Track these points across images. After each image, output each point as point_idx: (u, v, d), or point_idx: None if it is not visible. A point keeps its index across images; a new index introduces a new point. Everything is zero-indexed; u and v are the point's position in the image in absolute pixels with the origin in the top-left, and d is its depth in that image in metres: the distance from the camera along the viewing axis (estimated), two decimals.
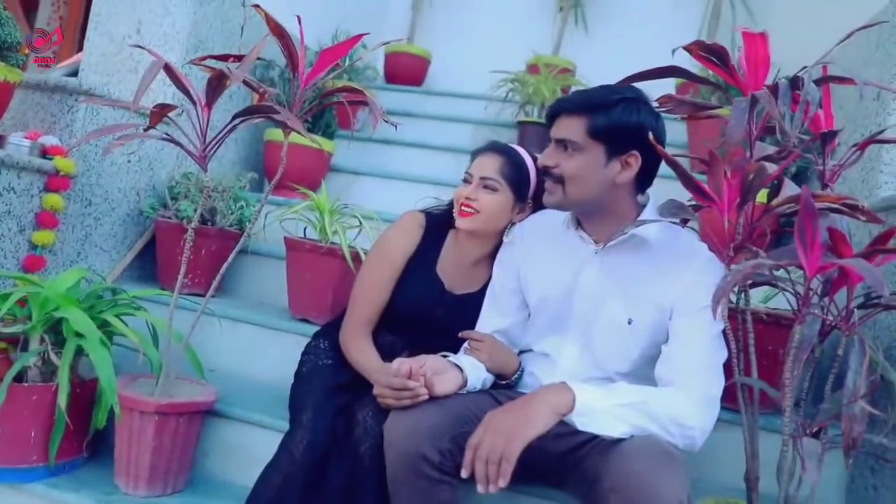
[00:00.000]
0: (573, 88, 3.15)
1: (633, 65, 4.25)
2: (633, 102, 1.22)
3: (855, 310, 1.16)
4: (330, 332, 1.58)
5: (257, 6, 1.41)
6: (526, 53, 3.73)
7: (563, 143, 1.24)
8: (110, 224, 2.04)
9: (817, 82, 1.25)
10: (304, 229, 2.06)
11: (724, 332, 1.21)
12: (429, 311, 1.49)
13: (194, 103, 1.47)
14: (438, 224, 1.54)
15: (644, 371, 1.32)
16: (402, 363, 1.18)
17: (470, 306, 1.48)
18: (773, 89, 1.19)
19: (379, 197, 2.60)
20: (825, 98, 1.36)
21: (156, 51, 2.19)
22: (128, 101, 1.51)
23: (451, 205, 1.53)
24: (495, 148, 1.49)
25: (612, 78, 3.62)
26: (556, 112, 1.26)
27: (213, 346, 1.90)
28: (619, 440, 1.09)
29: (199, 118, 1.48)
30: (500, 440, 1.02)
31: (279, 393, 1.81)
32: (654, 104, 1.31)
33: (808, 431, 1.19)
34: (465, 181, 1.47)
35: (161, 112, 1.46)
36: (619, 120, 1.20)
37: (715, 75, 1.29)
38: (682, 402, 1.13)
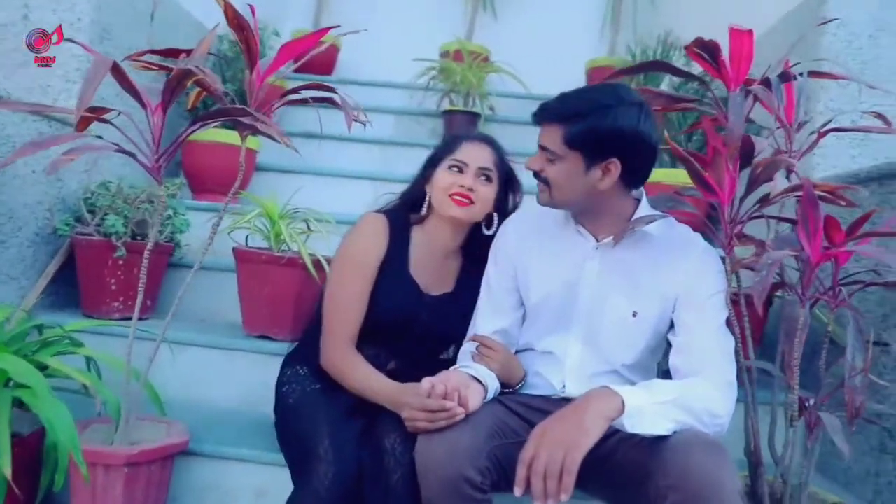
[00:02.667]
0: (497, 76, 3.16)
1: (542, 49, 4.34)
2: (609, 109, 1.17)
3: (842, 288, 1.25)
4: (305, 354, 1.45)
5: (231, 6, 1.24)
6: (437, 40, 3.67)
7: (544, 151, 1.23)
8: (17, 247, 1.75)
9: (787, 76, 1.31)
10: (246, 237, 1.89)
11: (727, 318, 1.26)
12: (411, 316, 1.41)
13: (144, 106, 1.28)
14: (400, 222, 1.45)
15: (646, 362, 1.34)
16: (433, 383, 1.11)
17: (448, 306, 1.43)
18: (766, 83, 1.23)
19: (314, 196, 2.43)
20: (788, 91, 1.43)
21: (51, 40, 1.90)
22: (60, 108, 1.28)
23: (405, 199, 1.47)
24: (485, 138, 1.45)
25: (524, 62, 3.65)
26: (537, 121, 1.25)
27: (160, 376, 1.68)
28: (661, 436, 1.09)
29: (150, 123, 1.29)
30: (559, 452, 0.99)
31: (247, 420, 1.66)
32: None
33: (805, 405, 1.27)
34: (457, 169, 1.39)
35: (92, 117, 1.26)
36: (594, 128, 1.17)
37: (704, 71, 1.31)
38: (711, 393, 1.15)
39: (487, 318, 1.38)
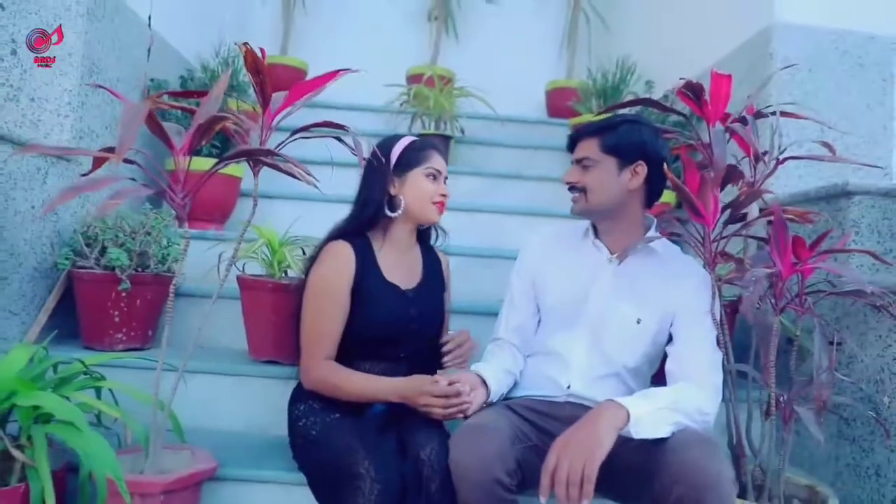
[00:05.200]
0: (468, 102, 3.30)
1: (503, 71, 4.50)
2: (635, 123, 1.45)
3: (807, 296, 1.43)
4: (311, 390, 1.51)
5: (246, 44, 1.32)
6: (403, 63, 3.79)
7: (581, 162, 1.47)
8: (18, 282, 1.75)
9: (759, 115, 1.50)
10: (244, 264, 1.95)
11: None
12: (403, 317, 1.51)
13: (171, 147, 1.34)
14: (362, 241, 1.54)
15: (643, 369, 1.50)
16: (447, 380, 1.29)
17: (426, 294, 1.57)
18: (742, 121, 1.41)
19: (297, 221, 2.51)
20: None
21: (40, 75, 1.92)
22: (85, 151, 1.32)
23: (362, 217, 1.54)
24: (435, 145, 1.61)
25: (486, 83, 3.77)
26: (575, 138, 1.51)
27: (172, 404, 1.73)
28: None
29: (177, 164, 1.35)
30: (579, 462, 1.12)
31: (259, 443, 1.72)
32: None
33: (780, 400, 1.44)
34: (434, 177, 1.54)
35: (107, 156, 1.32)
36: (624, 137, 1.44)
37: (689, 109, 1.47)
38: (699, 394, 1.31)
39: (509, 317, 1.58)
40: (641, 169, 1.43)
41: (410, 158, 1.54)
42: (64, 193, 1.16)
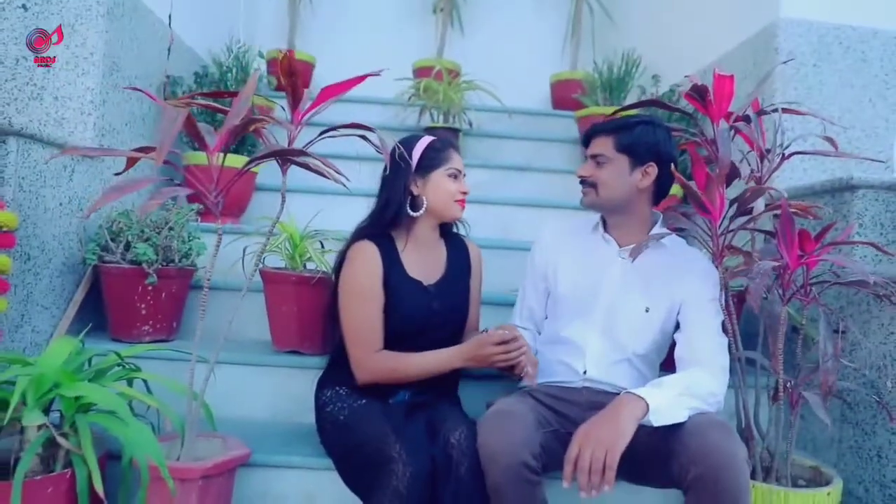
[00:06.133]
0: (476, 95, 3.34)
1: (508, 63, 4.53)
2: (650, 125, 1.52)
3: (813, 287, 1.50)
4: (339, 376, 1.58)
5: (291, 51, 1.37)
6: (409, 55, 3.82)
7: (595, 158, 1.53)
8: (48, 277, 1.81)
9: (762, 112, 1.56)
10: (264, 258, 2.00)
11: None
12: (427, 311, 1.58)
13: (205, 148, 1.39)
14: (385, 240, 1.60)
15: (652, 356, 1.57)
16: (499, 326, 1.44)
17: (449, 287, 1.63)
18: (746, 119, 1.47)
19: (313, 214, 2.56)
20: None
21: (63, 75, 1.96)
22: (122, 151, 1.37)
23: (383, 217, 1.59)
24: (454, 144, 1.67)
25: (492, 76, 3.78)
26: (591, 134, 1.57)
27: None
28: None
29: (211, 164, 1.40)
30: (601, 452, 1.19)
31: (284, 430, 1.78)
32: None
33: (787, 386, 1.51)
34: (455, 176, 1.60)
35: (139, 156, 1.38)
36: (639, 138, 1.50)
37: (694, 108, 1.53)
38: (709, 378, 1.38)
39: (524, 300, 1.68)
40: (652, 170, 1.49)
41: (432, 159, 1.59)
42: (107, 194, 1.21)
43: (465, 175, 1.65)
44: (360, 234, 1.60)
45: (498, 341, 1.40)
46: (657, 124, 1.52)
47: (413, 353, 1.50)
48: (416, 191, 1.59)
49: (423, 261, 1.62)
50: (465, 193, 1.61)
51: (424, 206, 1.59)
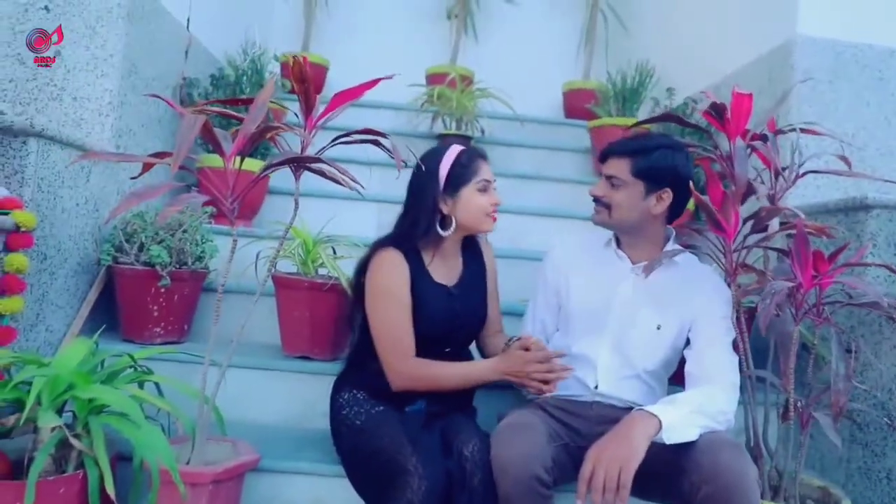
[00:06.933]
0: (488, 101, 3.34)
1: (521, 71, 4.52)
2: (669, 149, 1.48)
3: (825, 307, 1.49)
4: (357, 379, 1.57)
5: (304, 57, 1.38)
6: (422, 61, 3.83)
7: (610, 179, 1.51)
8: (63, 277, 1.82)
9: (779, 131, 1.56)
10: (276, 263, 2.01)
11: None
12: (451, 312, 1.57)
13: (222, 154, 1.40)
14: (412, 249, 1.56)
15: (661, 373, 1.57)
16: (531, 337, 1.46)
17: (467, 288, 1.62)
18: (762, 137, 1.47)
19: (325, 219, 2.57)
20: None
21: (83, 76, 1.98)
22: (140, 157, 1.39)
23: (412, 228, 1.54)
24: (481, 153, 1.59)
25: (505, 84, 3.78)
26: (607, 154, 1.53)
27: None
28: None
29: (227, 170, 1.41)
30: (614, 470, 1.19)
31: (294, 436, 1.79)
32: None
33: (797, 405, 1.51)
34: (485, 189, 1.54)
35: (155, 161, 1.39)
36: (656, 163, 1.47)
37: (708, 122, 1.53)
38: (720, 395, 1.38)
39: (536, 312, 1.66)
40: (667, 196, 1.47)
41: (461, 175, 1.53)
42: (127, 200, 1.23)
43: (495, 183, 1.58)
44: (385, 243, 1.56)
45: (542, 359, 1.41)
46: (676, 148, 1.49)
47: (448, 362, 1.51)
48: (445, 209, 1.54)
49: (446, 267, 1.61)
50: (496, 205, 1.55)
51: (454, 224, 1.55)
